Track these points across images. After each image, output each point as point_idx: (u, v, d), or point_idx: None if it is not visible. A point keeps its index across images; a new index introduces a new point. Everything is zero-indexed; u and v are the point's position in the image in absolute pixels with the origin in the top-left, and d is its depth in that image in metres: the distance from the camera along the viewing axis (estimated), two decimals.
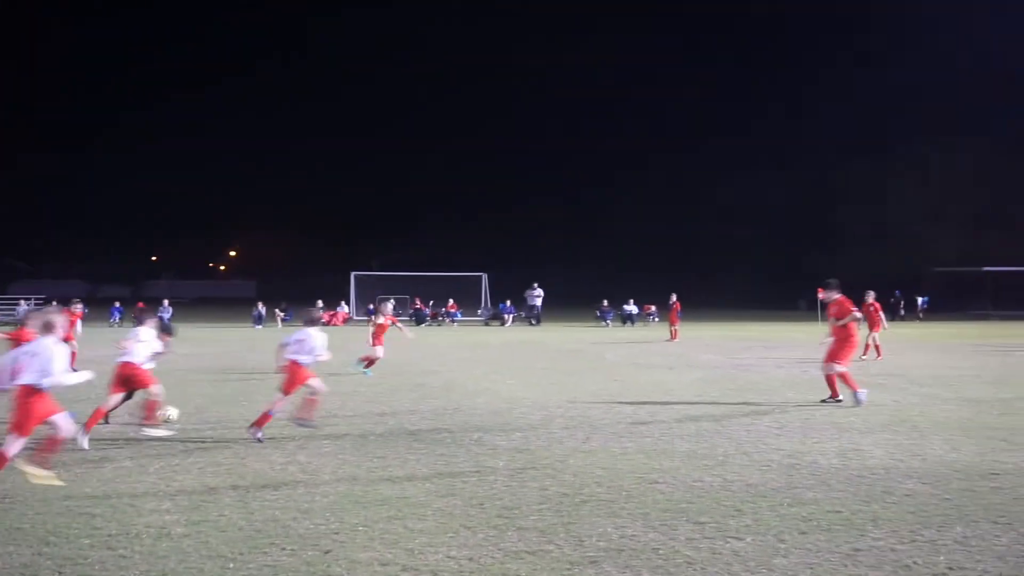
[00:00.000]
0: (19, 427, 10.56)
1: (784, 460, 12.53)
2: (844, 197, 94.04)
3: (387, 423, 15.95)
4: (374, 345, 24.82)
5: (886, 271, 74.77)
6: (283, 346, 14.64)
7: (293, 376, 14.44)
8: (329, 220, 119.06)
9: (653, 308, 60.12)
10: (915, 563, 8.01)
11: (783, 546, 8.52)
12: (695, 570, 7.86)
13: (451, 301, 59.99)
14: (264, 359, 29.57)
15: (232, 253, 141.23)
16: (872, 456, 12.77)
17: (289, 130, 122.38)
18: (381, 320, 25.66)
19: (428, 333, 47.42)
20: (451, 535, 8.89)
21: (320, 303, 58.29)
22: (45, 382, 10.56)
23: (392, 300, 27.64)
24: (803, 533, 8.93)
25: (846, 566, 7.94)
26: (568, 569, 7.87)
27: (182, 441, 14.12)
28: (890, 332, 29.46)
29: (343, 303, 61.39)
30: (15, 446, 10.55)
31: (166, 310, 56.15)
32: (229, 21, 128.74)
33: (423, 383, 22.25)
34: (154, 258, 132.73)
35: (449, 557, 8.20)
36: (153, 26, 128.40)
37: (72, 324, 17.47)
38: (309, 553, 8.31)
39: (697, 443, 13.87)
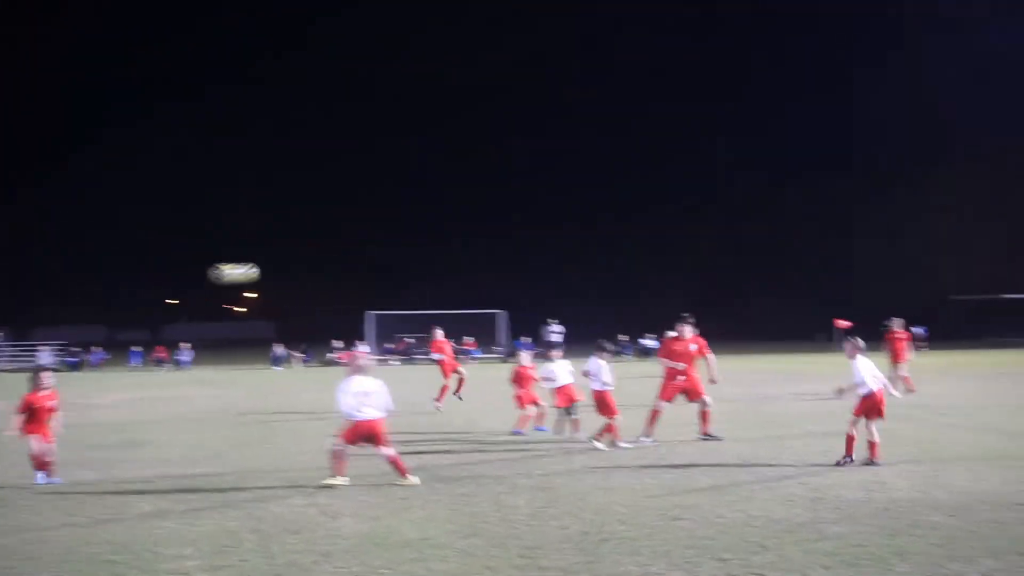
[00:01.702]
0: None
1: (808, 494, 12.45)
2: (862, 227, 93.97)
3: (408, 462, 15.86)
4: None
5: (902, 301, 74.59)
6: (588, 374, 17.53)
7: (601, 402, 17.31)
8: (348, 259, 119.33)
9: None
10: None
11: None
12: None
13: (467, 339, 59.91)
14: (284, 401, 29.64)
15: (251, 294, 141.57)
16: (896, 488, 12.68)
17: (307, 169, 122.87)
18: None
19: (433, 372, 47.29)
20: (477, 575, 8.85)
21: (338, 343, 58.38)
22: None
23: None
24: (828, 568, 8.86)
25: None
26: None
27: (203, 486, 14.09)
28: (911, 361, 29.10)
29: (358, 343, 61.39)
30: None
31: (185, 352, 56.26)
32: (243, 43, 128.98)
33: (443, 422, 22.21)
34: (172, 300, 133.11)
35: None
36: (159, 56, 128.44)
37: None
38: None
39: (719, 478, 13.80)
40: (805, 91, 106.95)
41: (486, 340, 63.36)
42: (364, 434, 13.77)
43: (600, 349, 17.94)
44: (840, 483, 13.16)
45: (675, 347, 18.66)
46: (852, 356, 15.16)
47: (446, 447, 17.82)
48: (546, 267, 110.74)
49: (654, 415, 18.28)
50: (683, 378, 18.52)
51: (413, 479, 13.78)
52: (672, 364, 18.54)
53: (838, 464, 14.53)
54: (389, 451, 13.83)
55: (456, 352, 58.18)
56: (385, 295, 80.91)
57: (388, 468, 13.95)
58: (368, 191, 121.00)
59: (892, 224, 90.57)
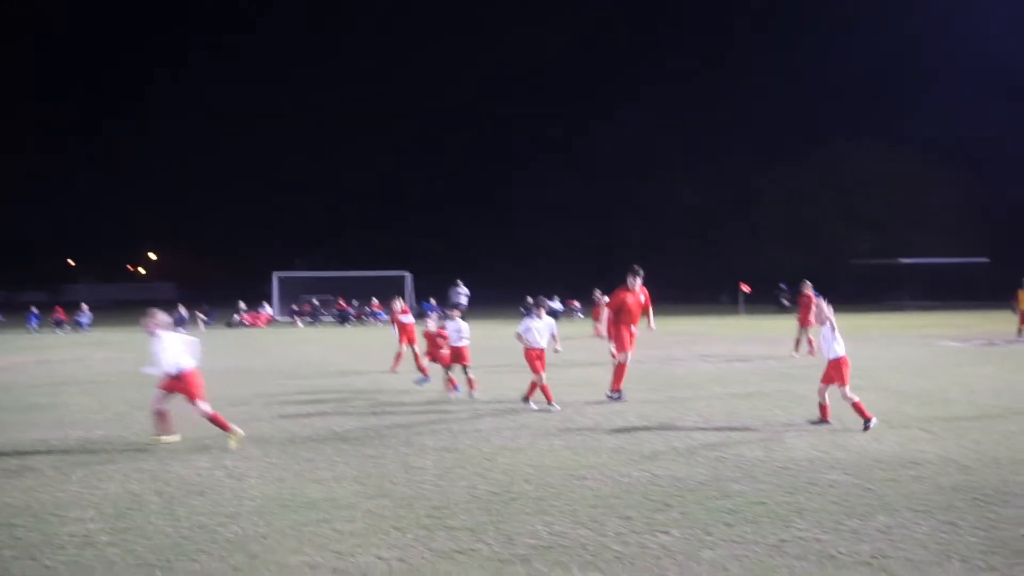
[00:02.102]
0: None
1: (711, 454, 12.67)
2: (763, 195, 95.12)
3: (314, 425, 15.84)
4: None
5: (802, 266, 75.88)
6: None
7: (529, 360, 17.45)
8: (250, 221, 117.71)
9: (577, 304, 60.39)
10: (839, 552, 8.15)
11: (710, 538, 8.63)
12: (624, 565, 7.92)
13: (374, 300, 59.68)
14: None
15: (152, 256, 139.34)
16: (796, 448, 12.96)
17: (206, 130, 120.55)
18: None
19: (353, 333, 47.18)
20: (381, 536, 8.87)
21: (242, 304, 57.78)
22: None
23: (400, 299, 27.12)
24: (729, 525, 9.05)
25: (772, 557, 8.06)
26: (499, 567, 7.90)
27: (105, 448, 13.89)
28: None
29: (265, 304, 60.86)
30: None
31: (85, 314, 55.17)
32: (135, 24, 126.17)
33: (349, 384, 22.14)
34: (71, 262, 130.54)
35: (379, 558, 8.18)
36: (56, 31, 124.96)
37: None
38: (237, 557, 8.24)
39: (624, 439, 13.97)
40: (703, 58, 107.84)
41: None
42: (180, 388, 13.89)
43: (536, 307, 18.23)
44: (742, 442, 13.42)
45: (627, 299, 18.58)
46: (821, 322, 15.03)
47: (352, 409, 17.75)
48: (451, 229, 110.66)
49: (621, 369, 18.33)
50: (635, 328, 18.59)
51: (238, 431, 13.81)
52: (624, 316, 18.47)
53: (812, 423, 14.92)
54: (205, 408, 13.85)
55: (362, 314, 58.23)
56: (290, 257, 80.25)
57: (295, 430, 13.88)
58: (277, 153, 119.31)
59: (793, 190, 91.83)
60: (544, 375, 17.28)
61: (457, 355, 19.47)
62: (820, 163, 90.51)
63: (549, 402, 17.20)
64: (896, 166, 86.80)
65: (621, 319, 18.61)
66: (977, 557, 7.94)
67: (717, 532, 8.84)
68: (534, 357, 17.45)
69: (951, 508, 9.53)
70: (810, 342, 27.31)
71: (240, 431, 14.01)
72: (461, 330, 19.68)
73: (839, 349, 14.79)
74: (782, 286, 64.87)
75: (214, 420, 13.86)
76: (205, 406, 13.87)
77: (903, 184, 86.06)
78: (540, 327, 17.60)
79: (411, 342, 24.34)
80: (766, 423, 15.17)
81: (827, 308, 14.99)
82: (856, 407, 14.41)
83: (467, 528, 9.10)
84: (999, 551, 8.10)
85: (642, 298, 18.82)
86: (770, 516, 9.36)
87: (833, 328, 14.83)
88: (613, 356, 18.36)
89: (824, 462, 11.96)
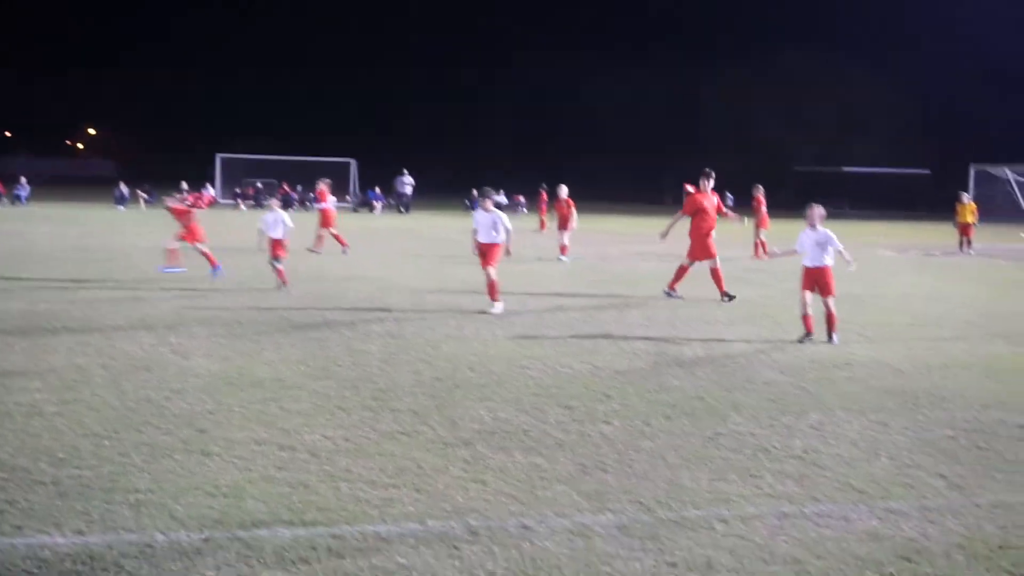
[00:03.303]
0: None
1: (652, 349, 12.92)
2: (709, 100, 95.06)
3: (259, 306, 15.89)
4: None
5: (745, 172, 76.28)
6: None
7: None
8: (194, 102, 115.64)
9: (522, 199, 60.39)
10: (773, 447, 8.41)
11: (649, 429, 8.86)
12: (565, 451, 8.12)
13: (320, 187, 59.16)
14: (128, 241, 29.05)
15: (91, 131, 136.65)
16: (735, 347, 13.26)
17: (151, 6, 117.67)
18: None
19: (296, 219, 46.88)
20: (327, 416, 9.01)
21: (184, 185, 57.09)
22: None
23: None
24: (668, 418, 9.28)
25: (708, 448, 8.30)
26: (443, 449, 8.07)
27: (50, 322, 13.84)
28: (750, 227, 29.94)
29: (208, 185, 60.20)
30: None
31: (23, 187, 54.26)
32: None
33: (294, 270, 22.11)
34: (8, 133, 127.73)
35: (325, 437, 8.31)
36: None
37: None
38: (185, 431, 8.34)
39: (567, 332, 14.19)
40: None
41: (337, 191, 62.74)
42: None
43: (482, 198, 17.88)
44: (683, 339, 13.68)
45: (702, 201, 18.41)
46: (812, 224, 14.47)
47: (297, 292, 17.78)
48: (397, 119, 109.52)
49: (683, 271, 18.45)
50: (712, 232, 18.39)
51: None
52: (698, 219, 18.35)
53: (799, 342, 13.73)
54: None
55: (303, 200, 57.81)
56: (235, 140, 79.02)
57: (239, 312, 13.94)
58: (224, 33, 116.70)
59: (736, 96, 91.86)
60: (491, 270, 16.36)
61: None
62: (763, 68, 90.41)
63: (492, 300, 16.27)
64: (840, 73, 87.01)
65: (696, 222, 18.38)
66: (904, 455, 8.24)
67: (656, 424, 9.07)
68: (480, 251, 16.86)
69: (882, 409, 9.84)
70: (763, 243, 27.53)
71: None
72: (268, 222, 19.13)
73: (827, 259, 14.45)
74: (728, 196, 65.18)
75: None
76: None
77: (847, 92, 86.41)
78: (483, 220, 16.97)
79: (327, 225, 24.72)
80: (706, 322, 15.44)
81: (819, 213, 14.59)
82: (829, 318, 13.94)
83: (411, 411, 9.26)
84: (926, 450, 8.40)
85: (715, 200, 18.67)
86: (707, 410, 9.62)
87: (825, 235, 14.43)
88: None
89: (761, 361, 12.25)
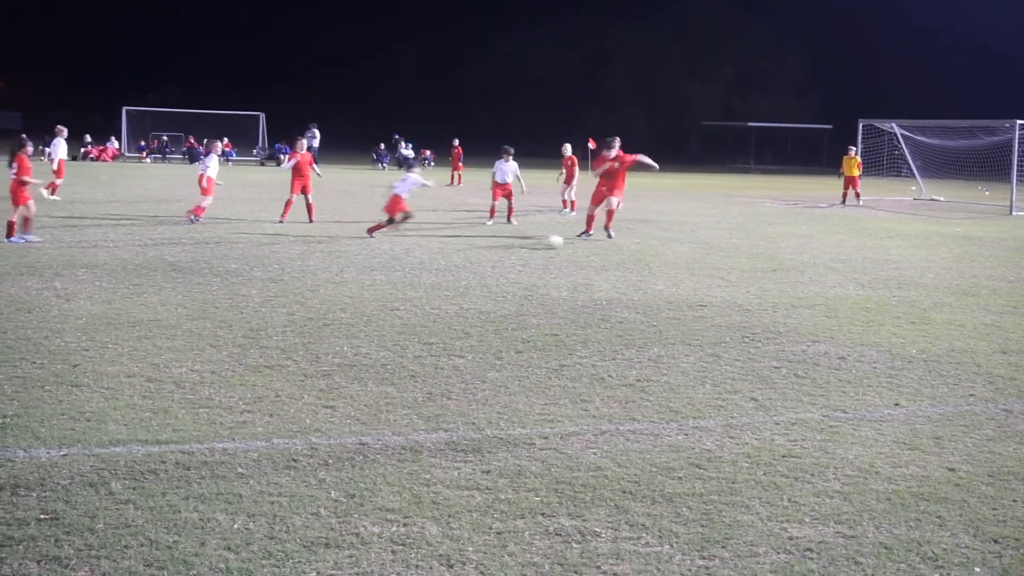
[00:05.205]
0: None
1: (520, 292, 13.62)
2: (612, 55, 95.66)
3: (147, 254, 16.30)
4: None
5: (653, 127, 77.43)
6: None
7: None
8: (100, 53, 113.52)
9: (429, 152, 60.65)
10: (609, 375, 9.16)
11: (499, 362, 9.55)
12: (417, 381, 8.78)
13: (225, 140, 58.97)
14: None
15: None
16: (599, 290, 14.00)
17: None
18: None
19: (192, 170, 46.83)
20: (197, 352, 9.56)
21: (88, 138, 56.57)
22: None
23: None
24: (519, 352, 9.99)
25: (550, 378, 9.02)
26: (302, 380, 8.68)
27: None
28: (653, 180, 30.83)
29: (113, 138, 59.64)
30: None
31: None
32: None
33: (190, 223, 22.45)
34: None
35: (192, 371, 8.88)
36: None
37: None
38: (59, 366, 8.84)
39: (443, 276, 14.85)
40: None
41: (247, 143, 62.61)
42: None
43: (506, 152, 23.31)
44: (552, 284, 14.40)
45: (603, 162, 20.93)
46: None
47: (187, 240, 18.17)
48: (310, 74, 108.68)
49: (605, 215, 20.90)
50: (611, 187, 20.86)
51: None
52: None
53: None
54: None
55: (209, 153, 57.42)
56: (142, 93, 78.16)
57: (127, 258, 14.32)
58: None
59: (642, 50, 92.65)
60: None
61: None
62: (670, 22, 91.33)
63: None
64: (746, 28, 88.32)
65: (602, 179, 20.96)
66: (727, 382, 9.03)
67: (507, 357, 9.76)
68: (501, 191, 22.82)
69: (719, 343, 10.65)
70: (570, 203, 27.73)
71: None
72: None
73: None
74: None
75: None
76: None
77: (752, 47, 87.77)
78: (506, 168, 22.68)
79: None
80: (578, 268, 16.19)
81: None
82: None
83: (279, 348, 9.85)
84: (748, 378, 9.21)
85: (617, 164, 20.74)
86: (558, 345, 10.34)
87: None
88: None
89: (621, 302, 13.01)
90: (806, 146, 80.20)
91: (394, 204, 19.27)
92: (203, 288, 13.15)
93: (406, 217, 19.45)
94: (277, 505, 5.81)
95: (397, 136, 60.78)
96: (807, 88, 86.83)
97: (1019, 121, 34.26)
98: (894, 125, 41.94)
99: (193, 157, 56.50)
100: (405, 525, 5.59)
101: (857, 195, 35.46)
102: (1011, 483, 6.60)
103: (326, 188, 30.76)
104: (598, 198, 20.81)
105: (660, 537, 5.54)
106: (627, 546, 5.42)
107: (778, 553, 5.38)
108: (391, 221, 19.33)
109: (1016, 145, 34.21)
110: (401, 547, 5.31)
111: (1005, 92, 67.39)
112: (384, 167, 57.04)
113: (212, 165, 22.04)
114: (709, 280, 15.21)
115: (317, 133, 57.68)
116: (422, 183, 19.90)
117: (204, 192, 21.57)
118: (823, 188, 45.06)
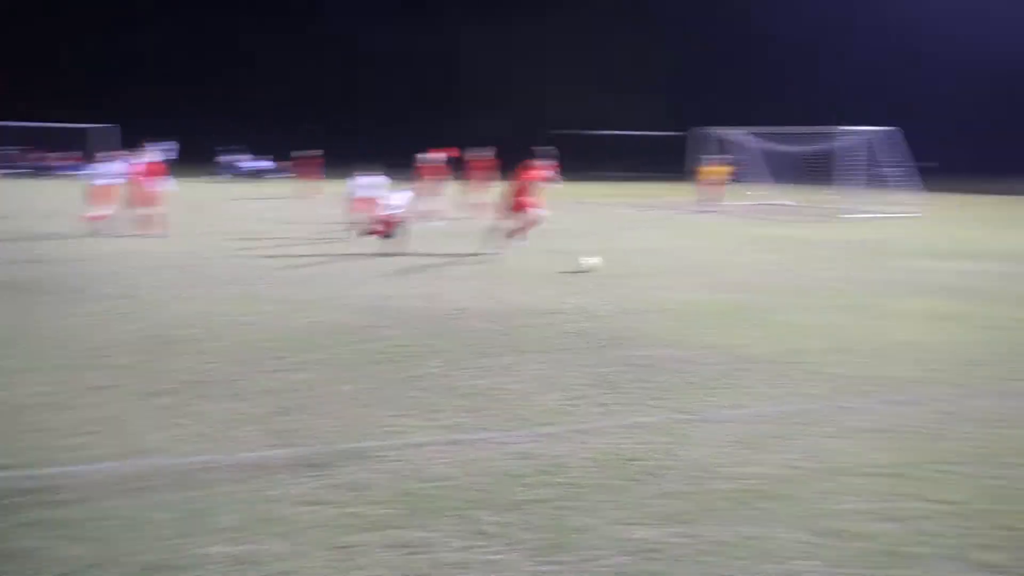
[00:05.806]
0: None
1: (375, 303, 13.58)
2: (468, 62, 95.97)
3: None
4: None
5: (508, 134, 77.80)
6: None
7: None
8: None
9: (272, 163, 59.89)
10: (461, 385, 9.18)
11: (352, 375, 9.49)
12: (267, 396, 8.67)
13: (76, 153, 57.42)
14: None
15: None
16: (453, 301, 14.01)
17: None
18: None
19: (42, 185, 45.54)
20: (37, 373, 9.27)
21: None
22: None
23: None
24: (375, 363, 9.95)
25: (402, 389, 9.00)
26: (146, 399, 8.48)
27: None
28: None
29: None
30: None
31: None
32: None
33: (39, 233, 21.83)
34: None
35: (29, 394, 8.60)
36: None
37: None
38: None
39: (295, 290, 14.72)
40: None
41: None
42: None
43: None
44: (405, 295, 14.39)
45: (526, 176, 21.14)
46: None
47: (35, 258, 17.66)
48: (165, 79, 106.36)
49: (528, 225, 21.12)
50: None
51: None
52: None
53: None
54: None
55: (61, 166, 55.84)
56: None
57: None
58: None
59: (500, 56, 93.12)
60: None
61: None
62: (525, 30, 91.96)
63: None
64: (605, 35, 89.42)
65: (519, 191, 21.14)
66: (576, 388, 9.13)
67: (360, 369, 9.71)
68: None
69: (569, 350, 10.77)
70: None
71: None
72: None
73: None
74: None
75: None
76: None
77: (609, 54, 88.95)
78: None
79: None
80: (438, 278, 16.23)
81: None
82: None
83: (123, 366, 9.62)
84: (596, 383, 9.32)
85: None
86: (411, 356, 10.32)
87: None
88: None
89: (475, 312, 13.06)
90: (668, 153, 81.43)
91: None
92: (48, 306, 12.78)
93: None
94: (114, 529, 5.68)
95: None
96: (663, 94, 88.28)
97: (839, 128, 35.82)
98: (734, 132, 43.13)
99: (40, 171, 54.96)
100: (249, 543, 5.53)
101: (710, 200, 36.33)
102: (847, 478, 6.83)
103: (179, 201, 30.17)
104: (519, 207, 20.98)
105: (508, 544, 5.59)
106: (475, 555, 5.45)
107: (620, 555, 5.48)
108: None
109: (844, 150, 35.76)
110: (243, 565, 5.24)
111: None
112: (230, 178, 56.36)
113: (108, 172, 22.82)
114: (561, 287, 15.38)
115: (167, 145, 56.47)
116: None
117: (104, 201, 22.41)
118: (679, 194, 45.93)
